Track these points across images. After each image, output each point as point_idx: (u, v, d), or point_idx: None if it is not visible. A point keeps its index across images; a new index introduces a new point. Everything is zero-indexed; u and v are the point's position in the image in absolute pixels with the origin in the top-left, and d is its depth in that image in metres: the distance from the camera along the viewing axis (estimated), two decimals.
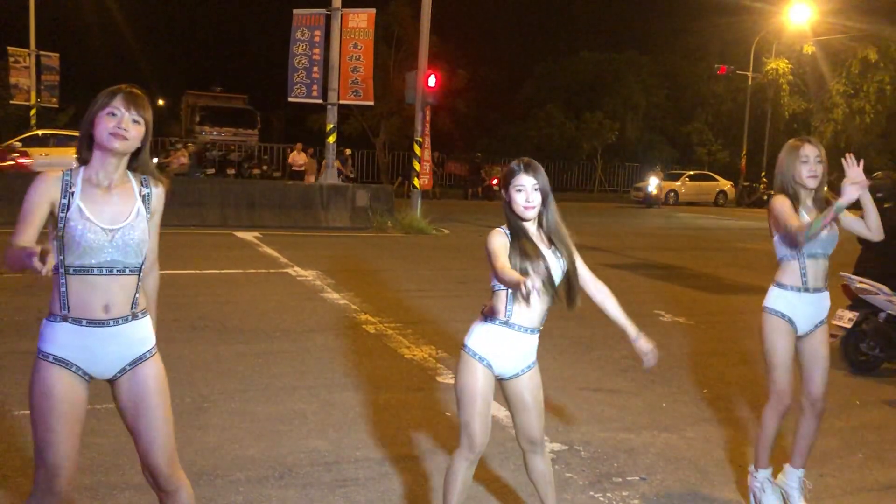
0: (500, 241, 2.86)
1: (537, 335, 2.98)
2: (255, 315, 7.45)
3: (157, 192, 2.58)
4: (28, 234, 2.35)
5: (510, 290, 2.83)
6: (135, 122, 2.45)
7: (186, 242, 12.22)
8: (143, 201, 2.52)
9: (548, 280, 2.86)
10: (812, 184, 3.49)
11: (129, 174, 2.54)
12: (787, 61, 38.34)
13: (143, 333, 2.54)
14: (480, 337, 2.93)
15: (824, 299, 3.57)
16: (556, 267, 2.91)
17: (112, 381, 2.53)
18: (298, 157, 22.82)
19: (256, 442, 4.31)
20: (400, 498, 3.73)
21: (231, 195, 15.64)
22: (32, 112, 27.58)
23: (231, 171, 27.36)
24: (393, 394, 5.29)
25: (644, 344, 3.05)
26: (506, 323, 2.90)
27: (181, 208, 14.98)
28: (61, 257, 2.40)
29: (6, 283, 8.39)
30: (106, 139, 2.42)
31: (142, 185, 2.54)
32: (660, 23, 43.38)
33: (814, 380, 3.59)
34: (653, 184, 31.48)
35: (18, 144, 21.53)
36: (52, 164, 20.39)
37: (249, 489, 3.72)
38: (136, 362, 2.51)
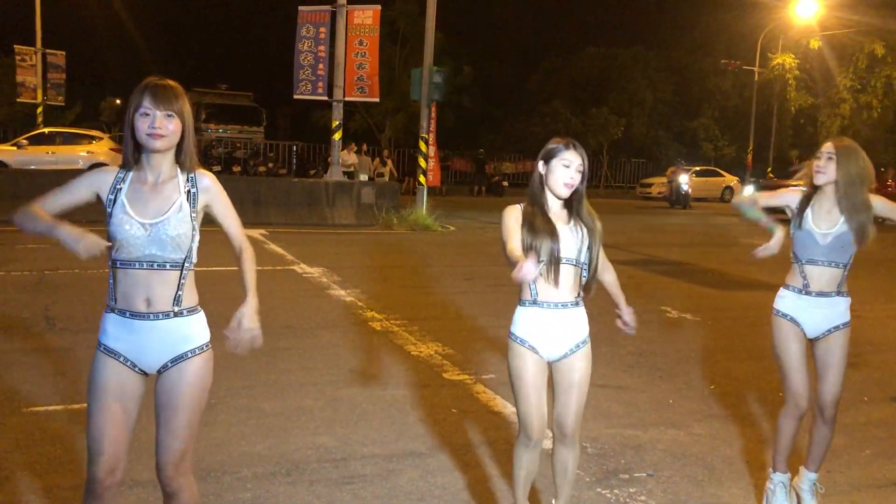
0: (514, 216, 2.91)
1: (577, 308, 2.97)
2: (262, 312, 7.39)
3: (205, 185, 2.58)
4: (54, 204, 2.50)
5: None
6: (168, 116, 2.46)
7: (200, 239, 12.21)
8: (188, 197, 2.54)
9: (555, 258, 2.87)
10: (816, 179, 3.44)
11: (178, 170, 2.56)
12: (793, 56, 38.18)
13: (186, 331, 2.55)
14: (519, 321, 2.96)
15: (836, 304, 3.47)
16: (573, 244, 2.91)
17: (158, 374, 2.56)
18: (348, 157, 22.66)
19: (264, 438, 4.31)
20: (407, 494, 3.73)
21: (237, 192, 15.52)
22: (39, 110, 27.63)
23: (237, 169, 27.38)
24: (399, 390, 5.30)
25: (630, 317, 3.16)
26: (534, 302, 2.93)
27: None
28: (110, 251, 2.47)
29: (13, 281, 8.43)
30: (146, 141, 2.46)
31: (188, 181, 2.56)
32: (666, 18, 43.35)
33: (823, 386, 3.53)
34: (683, 181, 28.75)
35: (25, 142, 21.58)
36: (57, 162, 20.44)
37: (257, 486, 3.73)
38: (178, 360, 2.54)
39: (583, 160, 2.93)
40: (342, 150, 22.44)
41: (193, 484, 2.64)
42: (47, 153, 21.15)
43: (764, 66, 37.76)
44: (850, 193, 3.39)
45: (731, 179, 34.39)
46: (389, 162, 26.80)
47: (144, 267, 2.47)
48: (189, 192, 2.54)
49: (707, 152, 41.17)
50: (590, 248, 2.94)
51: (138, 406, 2.55)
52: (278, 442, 4.28)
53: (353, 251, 12.34)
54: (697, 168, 34.80)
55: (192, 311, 2.58)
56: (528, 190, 3.00)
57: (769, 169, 36.89)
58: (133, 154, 2.51)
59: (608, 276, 3.13)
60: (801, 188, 3.54)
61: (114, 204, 2.47)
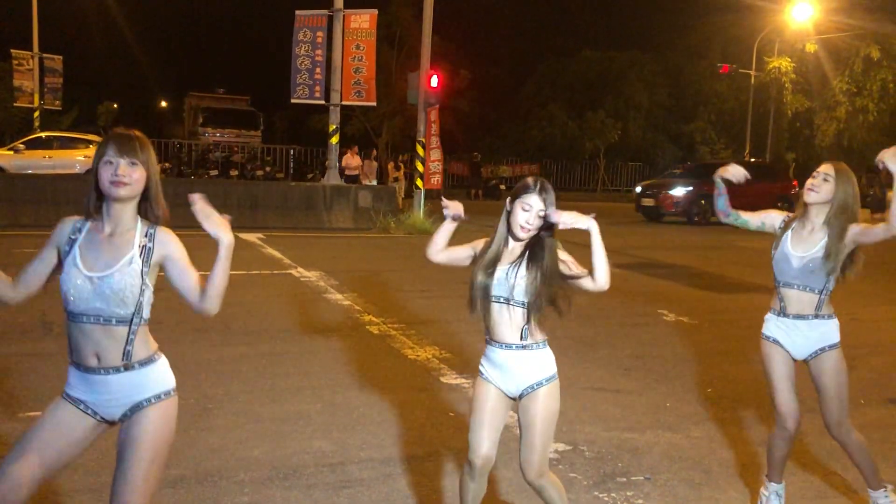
0: (475, 243, 3.03)
1: (525, 352, 2.88)
2: (259, 316, 7.46)
3: (163, 240, 2.50)
4: (33, 275, 2.49)
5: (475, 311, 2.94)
6: (132, 164, 2.42)
7: (190, 244, 12.18)
8: (142, 252, 2.45)
9: (485, 294, 2.89)
10: (807, 197, 3.39)
11: (139, 222, 2.50)
12: (789, 60, 38.27)
13: (140, 382, 2.46)
14: (484, 356, 3.00)
15: (816, 327, 3.42)
16: (524, 282, 2.83)
17: (120, 422, 2.51)
18: (352, 160, 22.60)
19: (261, 443, 4.31)
20: (405, 499, 3.73)
21: (234, 196, 15.65)
22: (36, 115, 27.61)
23: (234, 173, 27.38)
24: (397, 394, 5.29)
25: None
26: (489, 341, 2.97)
27: (185, 210, 14.99)
28: (64, 303, 2.45)
29: None
30: (108, 189, 2.42)
31: (145, 235, 2.48)
32: (662, 21, 43.45)
33: (822, 406, 3.49)
34: None
35: (22, 147, 21.56)
36: (54, 167, 20.42)
37: (254, 490, 3.72)
38: (135, 409, 2.46)
39: (545, 204, 2.83)
40: (346, 153, 22.43)
41: None
42: (44, 157, 21.14)
43: (760, 69, 37.83)
44: (840, 217, 3.35)
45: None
46: (403, 167, 26.49)
47: (91, 321, 2.41)
48: (144, 246, 2.46)
49: (703, 156, 41.22)
50: (537, 291, 2.83)
51: (77, 450, 2.48)
52: (275, 446, 4.28)
53: (350, 255, 12.34)
54: None
55: (145, 363, 2.47)
56: (497, 225, 2.97)
57: None
58: (94, 203, 2.47)
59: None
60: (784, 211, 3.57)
61: (67, 255, 2.44)
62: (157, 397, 2.47)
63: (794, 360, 3.52)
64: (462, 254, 3.07)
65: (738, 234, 18.75)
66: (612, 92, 40.10)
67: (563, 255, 2.92)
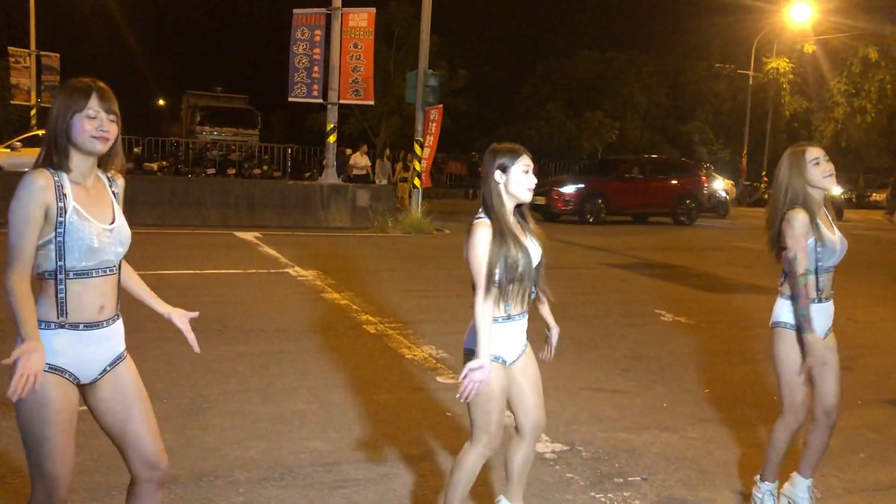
0: (485, 237, 2.86)
1: (527, 317, 3.04)
2: (256, 315, 7.44)
3: (121, 185, 2.61)
4: (27, 260, 2.31)
5: (500, 288, 2.87)
6: (112, 121, 2.43)
7: (187, 243, 12.21)
8: (115, 198, 2.55)
9: (528, 269, 2.89)
10: (831, 184, 3.41)
11: (99, 173, 2.53)
12: (787, 60, 38.36)
13: (121, 332, 2.56)
14: (499, 339, 2.94)
15: (832, 306, 3.52)
16: (535, 254, 2.96)
17: (92, 384, 2.49)
18: (361, 160, 22.46)
19: (257, 442, 4.30)
20: (401, 499, 3.72)
21: (231, 195, 15.63)
22: (33, 112, 27.58)
23: (231, 172, 27.36)
24: (393, 394, 5.28)
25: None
26: (508, 318, 2.93)
27: (182, 208, 15.01)
28: (60, 262, 2.34)
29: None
30: (89, 143, 2.38)
31: (108, 181, 2.55)
32: (660, 22, 43.48)
33: (828, 389, 3.50)
34: (719, 186, 26.85)
35: (19, 145, 21.52)
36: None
37: (249, 490, 3.71)
38: (115, 362, 2.52)
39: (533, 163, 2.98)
40: (355, 152, 22.35)
41: None
42: None
43: (758, 69, 37.90)
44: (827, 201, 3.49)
45: (726, 183, 34.45)
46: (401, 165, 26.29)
47: (100, 274, 2.41)
48: (115, 193, 2.55)
49: (701, 156, 41.29)
50: (541, 260, 3.00)
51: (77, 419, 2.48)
52: (271, 446, 4.26)
53: (347, 254, 12.33)
54: None
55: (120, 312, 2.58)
56: (488, 203, 2.90)
57: (763, 173, 37.01)
58: (63, 160, 2.38)
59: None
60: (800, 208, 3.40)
61: (65, 212, 2.33)
62: (124, 348, 2.58)
63: None
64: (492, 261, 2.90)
65: (734, 235, 18.79)
66: (611, 92, 40.16)
67: None
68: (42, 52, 27.65)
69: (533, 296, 3.04)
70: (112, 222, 2.47)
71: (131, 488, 2.60)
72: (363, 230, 15.82)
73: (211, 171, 26.96)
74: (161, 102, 51.34)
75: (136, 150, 27.22)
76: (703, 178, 23.08)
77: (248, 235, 13.41)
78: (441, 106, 17.71)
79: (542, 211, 20.24)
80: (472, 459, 3.02)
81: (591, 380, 5.81)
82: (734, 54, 38.62)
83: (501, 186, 2.91)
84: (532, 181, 2.90)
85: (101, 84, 2.45)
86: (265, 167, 28.37)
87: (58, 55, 28.27)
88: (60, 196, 2.34)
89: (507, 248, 2.84)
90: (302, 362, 5.95)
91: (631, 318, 8.08)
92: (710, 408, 5.32)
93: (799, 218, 3.33)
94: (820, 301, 3.46)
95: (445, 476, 3.96)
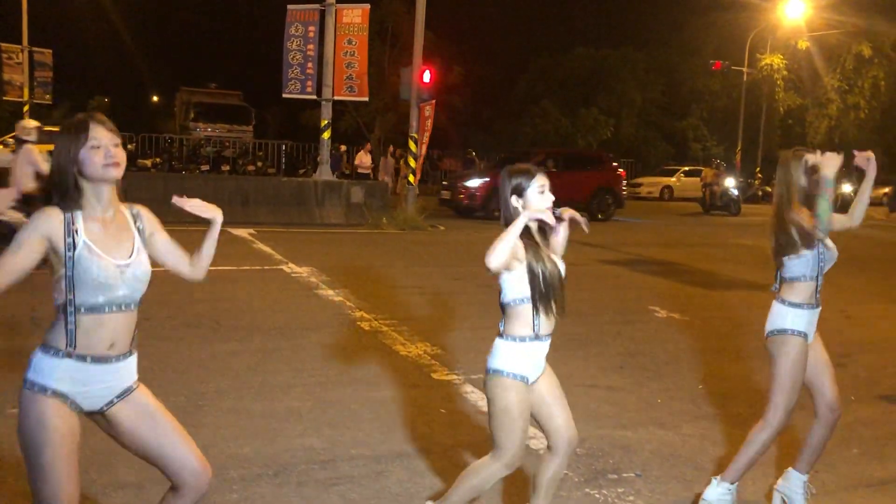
0: (514, 257, 2.82)
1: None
2: (250, 312, 7.43)
3: (147, 217, 2.59)
4: (12, 268, 2.35)
5: (533, 304, 2.83)
6: (116, 146, 2.43)
7: (180, 239, 12.10)
8: (139, 233, 2.52)
9: (557, 282, 2.87)
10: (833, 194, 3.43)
11: (120, 205, 2.52)
12: (781, 57, 38.40)
13: (131, 367, 2.53)
14: (513, 356, 2.89)
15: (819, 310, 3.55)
16: (562, 269, 2.95)
17: (104, 415, 2.49)
18: (366, 158, 22.16)
19: (251, 440, 4.29)
20: (395, 496, 3.72)
21: (225, 192, 15.57)
22: (26, 109, 27.40)
23: (225, 168, 27.28)
24: (388, 391, 5.28)
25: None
26: (536, 338, 2.89)
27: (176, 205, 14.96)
28: (70, 296, 2.36)
29: None
30: (101, 172, 2.39)
31: (133, 216, 2.54)
32: (655, 19, 43.36)
33: (829, 386, 3.52)
34: (731, 184, 25.92)
35: (11, 142, 21.42)
36: (45, 162, 20.27)
37: (244, 487, 3.70)
38: (124, 394, 2.49)
39: (548, 180, 2.94)
40: (353, 148, 22.20)
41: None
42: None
43: (752, 66, 37.93)
44: None
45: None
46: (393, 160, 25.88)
47: (113, 310, 2.40)
48: (139, 228, 2.53)
49: (696, 152, 41.34)
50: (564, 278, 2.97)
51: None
52: (266, 443, 4.26)
53: (342, 251, 12.31)
54: (686, 168, 34.94)
55: (135, 346, 2.55)
56: (516, 227, 2.76)
57: (757, 169, 37.09)
58: (76, 195, 2.40)
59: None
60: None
61: (74, 247, 2.35)
62: (136, 380, 2.55)
63: None
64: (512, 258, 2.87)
65: (730, 231, 18.80)
66: (605, 89, 40.13)
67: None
68: (35, 49, 27.51)
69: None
70: (130, 258, 2.45)
71: (172, 495, 2.58)
72: (357, 227, 15.79)
73: (205, 167, 26.89)
74: (155, 99, 51.13)
75: (129, 146, 27.14)
76: (622, 171, 22.34)
77: (243, 232, 13.38)
78: (434, 102, 17.68)
79: (451, 206, 19.76)
80: (489, 472, 2.98)
81: (586, 376, 5.82)
82: (729, 51, 38.60)
83: (520, 209, 2.90)
84: (548, 200, 2.88)
85: (98, 114, 2.46)
86: (259, 164, 28.29)
87: (50, 51, 28.12)
88: (70, 232, 2.36)
89: (541, 261, 2.83)
90: (296, 359, 5.95)
91: (625, 314, 8.09)
92: (704, 404, 5.33)
93: (803, 210, 3.38)
94: (818, 306, 3.48)
95: (440, 473, 3.97)
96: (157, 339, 5.76)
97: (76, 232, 2.37)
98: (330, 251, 12.15)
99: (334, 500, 3.63)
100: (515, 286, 2.84)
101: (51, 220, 2.37)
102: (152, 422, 2.51)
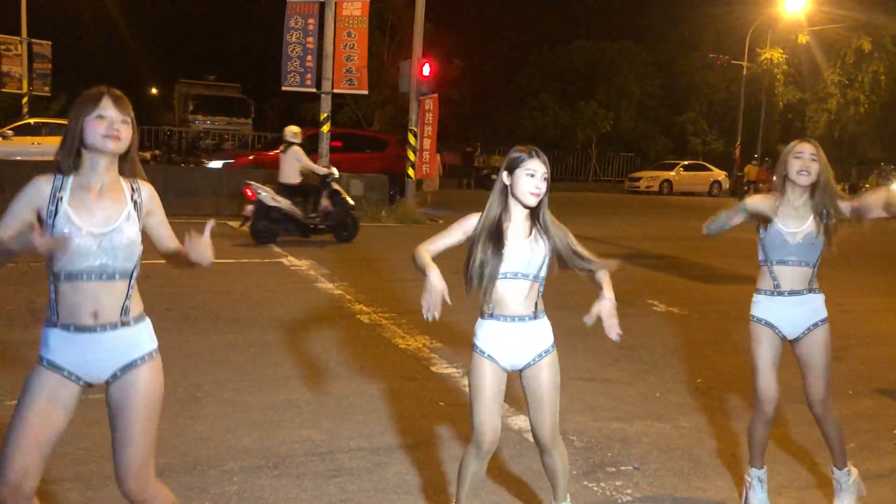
0: (465, 224, 2.95)
1: (536, 322, 2.96)
2: (249, 305, 7.43)
3: (148, 193, 2.59)
4: (2, 234, 2.38)
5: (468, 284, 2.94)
6: (124, 122, 2.46)
7: (180, 232, 12.08)
8: (135, 206, 2.52)
9: (493, 272, 2.88)
10: (802, 180, 3.40)
11: (121, 178, 2.54)
12: (781, 51, 38.34)
13: (134, 340, 2.51)
14: (479, 332, 2.97)
15: (809, 301, 3.48)
16: (526, 258, 2.89)
17: (107, 386, 2.52)
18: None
19: (250, 432, 4.30)
20: (394, 487, 3.73)
21: (224, 185, 15.58)
22: (24, 100, 27.38)
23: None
24: (387, 383, 5.29)
25: (606, 307, 2.94)
26: (491, 315, 2.94)
27: (175, 198, 14.88)
28: (51, 264, 2.40)
29: None
30: (101, 142, 2.42)
31: (132, 189, 2.55)
32: (654, 12, 43.24)
33: (810, 384, 3.51)
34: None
35: (10, 133, 21.39)
36: (43, 153, 20.26)
37: (243, 479, 3.72)
38: (128, 368, 2.49)
39: (546, 168, 2.89)
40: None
41: (167, 492, 2.62)
42: (33, 144, 20.97)
43: (752, 60, 37.88)
44: (829, 192, 3.43)
45: (719, 174, 34.52)
46: (438, 157, 25.47)
47: (93, 278, 2.41)
48: (136, 201, 2.53)
49: (695, 146, 41.30)
50: (548, 262, 2.93)
51: (68, 418, 2.46)
52: (265, 435, 4.27)
53: (341, 244, 12.31)
54: (686, 162, 34.95)
55: (138, 319, 2.54)
56: (488, 200, 2.94)
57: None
58: (74, 160, 2.45)
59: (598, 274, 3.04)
60: (764, 192, 3.54)
61: (55, 215, 2.39)
62: (150, 355, 2.54)
63: (784, 340, 3.54)
64: (453, 240, 3.03)
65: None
66: (605, 82, 40.05)
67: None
68: (33, 40, 27.43)
69: (539, 296, 2.97)
70: (112, 226, 2.44)
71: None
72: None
73: (203, 160, 26.84)
74: (154, 91, 51.01)
75: None
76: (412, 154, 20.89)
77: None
78: (436, 95, 17.65)
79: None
80: (466, 455, 3.00)
81: (584, 369, 5.83)
82: (728, 45, 38.55)
83: (505, 187, 2.91)
84: (535, 186, 2.85)
85: (116, 91, 2.49)
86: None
87: (49, 43, 28.04)
88: (54, 200, 2.41)
89: (477, 246, 2.89)
90: (295, 352, 5.96)
91: (624, 308, 8.04)
92: (702, 397, 5.34)
93: (757, 197, 3.55)
94: (780, 294, 3.47)
95: (439, 465, 3.99)
96: (156, 332, 5.76)
97: (60, 200, 2.41)
98: (329, 244, 12.15)
99: (333, 491, 3.64)
100: None
101: (39, 189, 2.43)
102: (122, 418, 2.49)
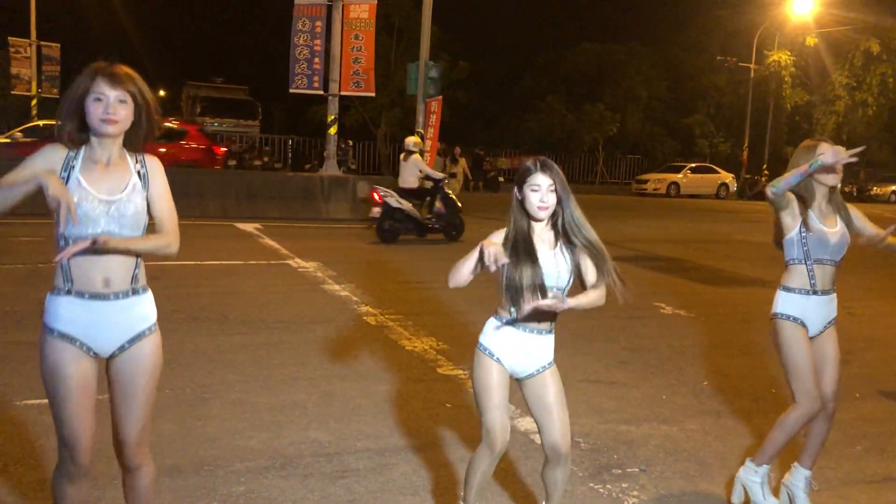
0: (490, 242, 2.81)
1: (549, 336, 2.98)
2: (256, 306, 7.45)
3: (153, 165, 2.64)
4: (15, 177, 2.41)
5: (512, 290, 2.84)
6: (121, 101, 2.48)
7: (187, 233, 12.10)
8: (140, 177, 2.58)
9: (534, 285, 2.81)
10: (832, 181, 3.42)
11: (126, 153, 2.59)
12: (789, 53, 38.26)
13: (143, 310, 2.59)
14: (492, 334, 2.96)
15: (833, 300, 3.53)
16: (554, 270, 2.87)
17: (110, 359, 2.58)
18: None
19: (257, 433, 4.32)
20: (400, 488, 3.74)
21: (232, 186, 15.62)
22: (33, 103, 27.53)
23: (232, 163, 27.31)
24: (393, 385, 5.30)
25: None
26: (513, 323, 2.92)
27: (182, 199, 14.86)
28: (62, 230, 2.42)
29: (5, 274, 8.40)
30: (98, 126, 2.48)
31: (137, 161, 2.60)
32: (661, 14, 43.33)
33: (824, 380, 3.53)
34: None
35: (20, 135, 21.49)
36: None
37: (250, 479, 3.73)
38: (135, 339, 2.57)
39: (552, 179, 2.85)
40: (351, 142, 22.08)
41: (151, 461, 2.73)
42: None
43: (760, 63, 37.80)
44: (839, 195, 3.51)
45: (726, 176, 34.45)
46: (462, 161, 24.83)
47: None
48: (140, 172, 2.58)
49: (702, 149, 41.21)
50: (572, 273, 2.91)
51: (95, 389, 2.55)
52: (272, 436, 4.28)
53: (348, 246, 12.34)
54: (693, 164, 34.88)
55: (146, 288, 2.62)
56: (508, 215, 2.94)
57: (764, 166, 37.00)
58: (80, 135, 2.52)
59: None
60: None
61: (68, 180, 2.45)
62: (154, 326, 2.62)
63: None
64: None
65: (734, 228, 18.76)
66: (611, 84, 40.03)
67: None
68: (42, 43, 27.59)
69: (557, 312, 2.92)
70: (119, 195, 2.49)
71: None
72: (364, 222, 15.81)
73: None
74: (162, 93, 51.14)
75: None
76: (218, 147, 20.60)
77: (249, 227, 13.40)
78: (441, 98, 17.70)
79: None
80: (476, 456, 3.01)
81: (590, 372, 5.83)
82: (735, 47, 38.49)
83: (518, 201, 2.92)
84: (540, 199, 2.83)
85: (114, 68, 2.52)
86: (266, 158, 28.33)
87: (58, 45, 28.20)
88: (67, 167, 2.48)
89: (514, 257, 2.84)
90: (302, 353, 5.97)
91: (630, 310, 8.07)
92: (708, 400, 5.34)
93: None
94: (815, 293, 3.48)
95: (445, 467, 4.00)
96: (164, 332, 5.77)
97: (72, 168, 2.48)
98: (336, 246, 12.18)
99: (340, 492, 3.66)
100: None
101: (56, 153, 2.50)
102: (122, 392, 2.58)
